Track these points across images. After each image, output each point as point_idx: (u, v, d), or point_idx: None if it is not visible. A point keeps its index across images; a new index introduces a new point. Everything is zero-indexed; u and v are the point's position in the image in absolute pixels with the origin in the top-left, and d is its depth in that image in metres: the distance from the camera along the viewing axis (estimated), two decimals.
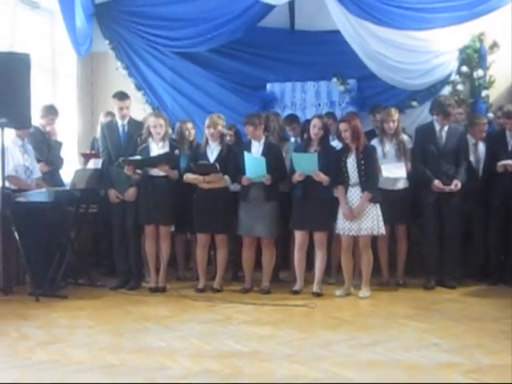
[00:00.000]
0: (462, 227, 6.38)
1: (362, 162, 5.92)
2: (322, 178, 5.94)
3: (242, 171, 6.11)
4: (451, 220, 6.28)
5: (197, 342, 4.49)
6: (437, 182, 6.20)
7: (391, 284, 6.47)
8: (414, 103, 7.70)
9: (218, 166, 6.11)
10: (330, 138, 6.61)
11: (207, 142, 6.33)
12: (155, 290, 6.33)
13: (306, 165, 5.94)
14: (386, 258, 6.49)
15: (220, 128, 6.31)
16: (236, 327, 4.94)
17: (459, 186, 6.19)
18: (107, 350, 4.32)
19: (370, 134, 6.66)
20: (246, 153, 6.09)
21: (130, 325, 5.02)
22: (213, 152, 6.31)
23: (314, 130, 6.05)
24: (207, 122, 6.30)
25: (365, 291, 6.00)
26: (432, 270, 6.37)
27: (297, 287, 6.14)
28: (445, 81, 7.63)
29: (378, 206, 5.92)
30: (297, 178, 5.99)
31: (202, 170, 6.20)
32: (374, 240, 6.36)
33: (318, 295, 6.00)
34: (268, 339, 4.56)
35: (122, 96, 6.54)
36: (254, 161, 6.06)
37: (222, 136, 6.37)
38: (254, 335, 4.67)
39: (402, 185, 6.39)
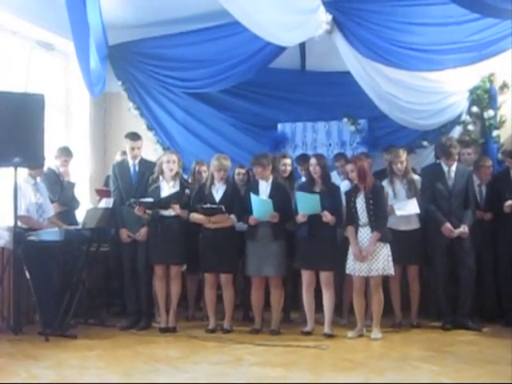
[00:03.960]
0: (475, 268, 6.31)
1: (371, 201, 5.92)
2: (329, 218, 5.94)
3: (249, 211, 6.13)
4: (465, 261, 6.23)
5: None
6: (448, 226, 6.17)
7: (404, 325, 6.39)
8: (425, 143, 7.74)
9: (223, 208, 6.12)
10: (341, 177, 6.69)
11: (212, 182, 6.36)
12: (165, 331, 6.29)
13: (309, 205, 5.96)
14: (398, 298, 6.45)
15: (227, 169, 6.35)
16: (247, 369, 4.88)
17: (467, 230, 6.18)
18: None
19: (383, 174, 6.67)
20: (252, 195, 6.11)
21: (140, 366, 4.97)
22: (218, 191, 6.32)
23: (311, 168, 6.11)
24: (216, 164, 6.29)
25: (376, 332, 5.93)
26: (446, 311, 6.30)
27: (308, 328, 6.09)
28: (455, 121, 7.67)
29: (388, 245, 5.90)
30: (300, 219, 6.01)
31: (208, 213, 6.21)
32: (386, 281, 6.32)
33: (330, 336, 5.94)
34: (280, 381, 4.50)
35: (133, 136, 6.62)
36: (261, 202, 6.09)
37: (227, 176, 6.39)
38: (266, 377, 4.61)
39: (413, 225, 6.38)
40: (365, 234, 5.93)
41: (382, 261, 5.85)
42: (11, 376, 4.66)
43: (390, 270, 5.90)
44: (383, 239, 5.88)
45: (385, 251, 5.88)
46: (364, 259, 5.85)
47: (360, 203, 5.96)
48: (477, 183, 6.70)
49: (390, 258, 5.88)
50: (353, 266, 5.94)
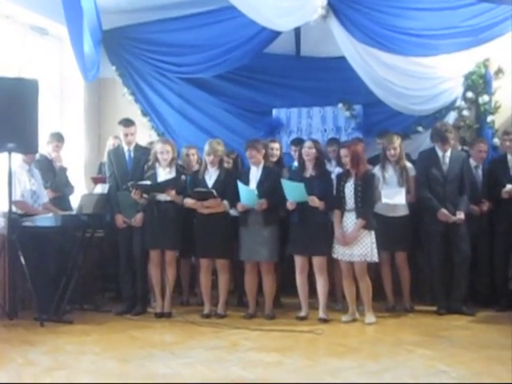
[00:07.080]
0: (470, 254, 6.33)
1: (360, 188, 5.92)
2: (317, 203, 5.94)
3: (239, 197, 6.14)
4: (460, 247, 6.24)
5: (203, 369, 4.45)
6: (444, 211, 6.19)
7: (398, 309, 6.43)
8: (420, 128, 7.73)
9: (214, 192, 6.13)
10: (334, 164, 6.69)
11: (206, 168, 6.36)
12: (161, 316, 6.31)
13: (295, 193, 5.96)
14: (389, 283, 6.48)
15: (219, 154, 6.33)
16: (243, 354, 4.90)
17: (463, 216, 6.19)
18: (113, 376, 4.29)
19: (376, 159, 6.67)
20: (238, 182, 6.11)
21: (135, 351, 4.99)
22: (211, 177, 6.33)
23: (304, 150, 6.09)
24: (207, 148, 6.32)
25: (370, 316, 5.97)
26: (441, 297, 6.34)
27: (302, 313, 6.12)
28: (450, 106, 7.66)
29: (372, 232, 5.90)
30: (289, 207, 6.01)
31: (200, 197, 6.21)
32: (378, 266, 6.34)
33: (325, 321, 5.97)
34: (275, 366, 4.53)
35: (127, 123, 6.60)
36: (246, 191, 6.10)
37: (220, 161, 6.38)
38: (261, 362, 4.64)
39: (402, 212, 6.38)
40: (350, 219, 5.94)
41: (365, 247, 5.85)
42: (7, 361, 4.68)
43: (374, 257, 5.90)
44: (368, 226, 5.88)
45: (368, 238, 5.87)
46: (346, 244, 5.87)
47: (349, 188, 5.96)
48: (473, 165, 6.69)
49: (375, 246, 5.88)
50: (337, 250, 5.97)
